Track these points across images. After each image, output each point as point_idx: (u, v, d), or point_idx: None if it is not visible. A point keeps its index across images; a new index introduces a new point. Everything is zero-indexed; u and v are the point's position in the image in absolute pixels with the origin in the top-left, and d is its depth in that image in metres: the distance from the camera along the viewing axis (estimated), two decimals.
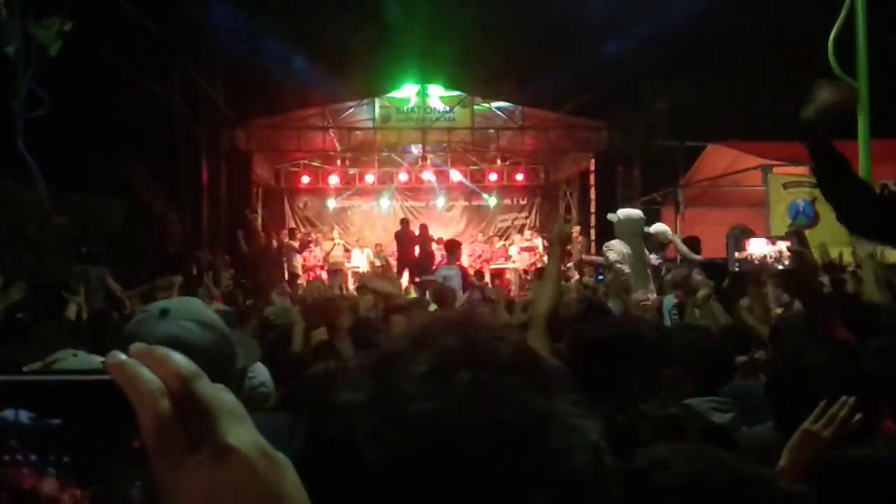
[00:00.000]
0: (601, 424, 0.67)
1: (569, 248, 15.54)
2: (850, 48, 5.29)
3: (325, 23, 13.38)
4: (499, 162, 18.77)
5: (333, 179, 18.19)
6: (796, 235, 2.05)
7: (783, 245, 2.24)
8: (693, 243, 8.52)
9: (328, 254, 16.31)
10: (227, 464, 0.47)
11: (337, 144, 17.05)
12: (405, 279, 13.71)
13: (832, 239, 7.67)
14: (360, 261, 16.49)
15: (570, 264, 13.92)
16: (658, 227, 7.97)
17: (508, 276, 16.45)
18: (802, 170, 9.62)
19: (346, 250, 16.82)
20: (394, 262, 15.12)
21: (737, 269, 2.26)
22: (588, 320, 3.13)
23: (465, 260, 15.26)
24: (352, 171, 18.48)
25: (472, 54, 13.92)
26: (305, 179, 18.42)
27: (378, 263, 15.39)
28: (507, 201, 19.36)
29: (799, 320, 3.06)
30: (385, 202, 18.69)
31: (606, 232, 7.20)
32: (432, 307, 5.38)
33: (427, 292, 7.24)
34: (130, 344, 0.49)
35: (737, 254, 2.26)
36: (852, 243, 4.30)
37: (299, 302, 4.05)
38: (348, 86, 14.92)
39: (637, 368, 2.09)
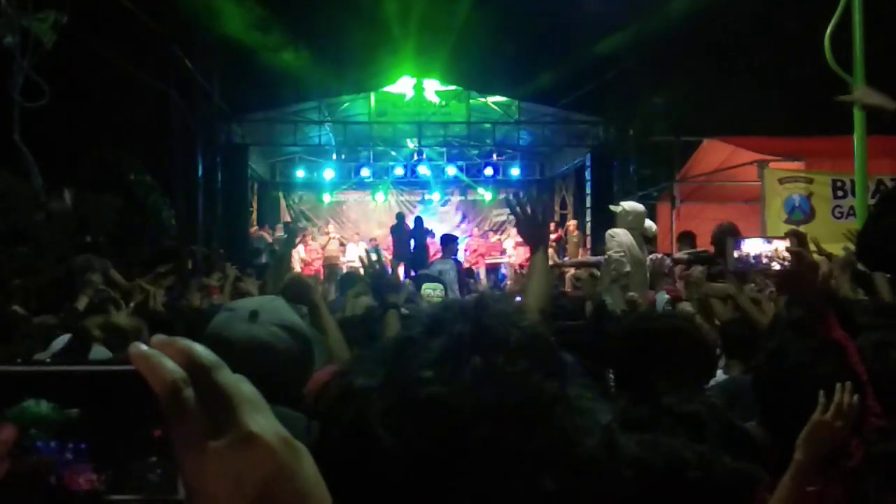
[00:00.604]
0: (613, 408, 0.68)
1: (566, 242, 15.58)
2: (846, 43, 5.31)
3: (321, 17, 13.35)
4: (494, 156, 18.76)
5: (329, 173, 18.17)
6: (795, 235, 2.04)
7: (779, 244, 2.24)
8: (688, 238, 8.53)
9: (324, 248, 16.30)
10: (249, 450, 0.48)
11: (332, 138, 17.03)
12: (401, 273, 13.72)
13: (827, 235, 7.69)
14: (356, 255, 16.49)
15: (565, 258, 13.94)
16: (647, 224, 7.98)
17: (504, 270, 16.46)
18: (798, 165, 9.64)
19: (342, 244, 16.82)
20: (389, 256, 15.14)
21: (736, 268, 2.26)
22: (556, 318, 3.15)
23: (460, 255, 15.28)
24: (347, 164, 18.47)
25: (468, 48, 13.89)
26: (301, 173, 18.39)
27: (373, 258, 15.37)
28: (503, 195, 19.36)
29: (786, 317, 3.09)
30: (380, 196, 18.68)
31: (602, 226, 7.19)
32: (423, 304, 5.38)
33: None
34: (215, 342, 0.50)
35: (736, 253, 2.26)
36: (848, 238, 4.31)
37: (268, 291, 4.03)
38: (344, 80, 14.88)
39: (664, 363, 2.10)
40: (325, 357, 2.08)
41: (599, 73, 13.75)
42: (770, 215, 9.04)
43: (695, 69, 12.49)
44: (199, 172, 12.88)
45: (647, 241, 7.49)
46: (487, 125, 17.03)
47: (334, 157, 18.20)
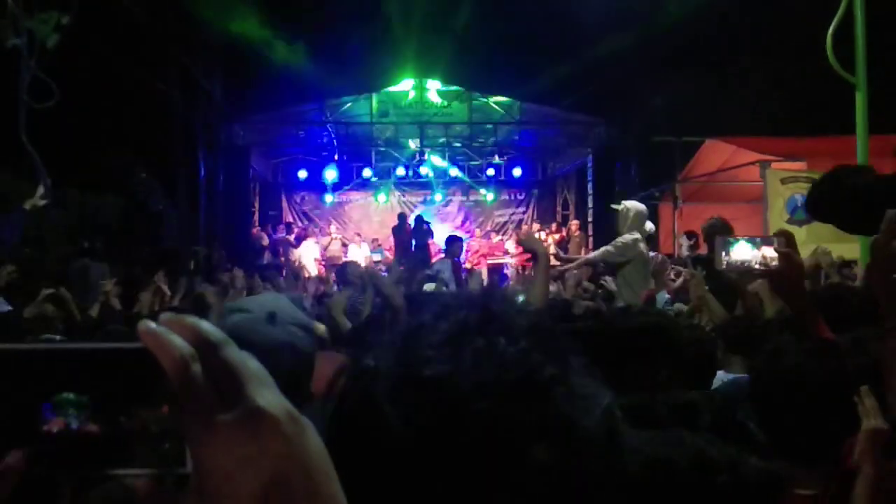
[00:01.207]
0: (613, 394, 0.70)
1: (568, 242, 15.57)
2: (848, 43, 5.31)
3: (322, 17, 13.35)
4: (496, 157, 18.76)
5: (331, 174, 18.17)
6: (783, 236, 2.05)
7: (766, 250, 2.23)
8: (691, 238, 8.52)
9: (326, 248, 16.32)
10: (256, 424, 0.49)
11: (334, 139, 17.04)
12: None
13: (829, 235, 7.68)
14: (358, 255, 16.50)
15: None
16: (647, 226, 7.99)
17: (507, 270, 16.46)
18: (800, 165, 9.64)
19: (344, 245, 16.83)
20: (391, 257, 15.15)
21: (723, 269, 2.26)
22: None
23: (462, 255, 15.28)
24: (349, 165, 18.47)
25: (470, 49, 13.90)
26: (303, 174, 18.40)
27: (376, 258, 15.40)
28: (505, 196, 19.38)
29: (783, 318, 3.08)
30: (382, 197, 18.69)
31: (604, 226, 7.19)
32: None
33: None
34: (240, 344, 0.52)
35: (724, 255, 2.26)
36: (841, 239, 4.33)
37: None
38: (346, 80, 14.89)
39: (664, 361, 2.10)
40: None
41: (601, 74, 13.75)
42: (772, 215, 9.04)
43: (696, 69, 12.48)
44: (201, 173, 12.91)
45: (646, 240, 7.50)
46: (489, 126, 17.04)
47: (336, 157, 18.21)
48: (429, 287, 7.43)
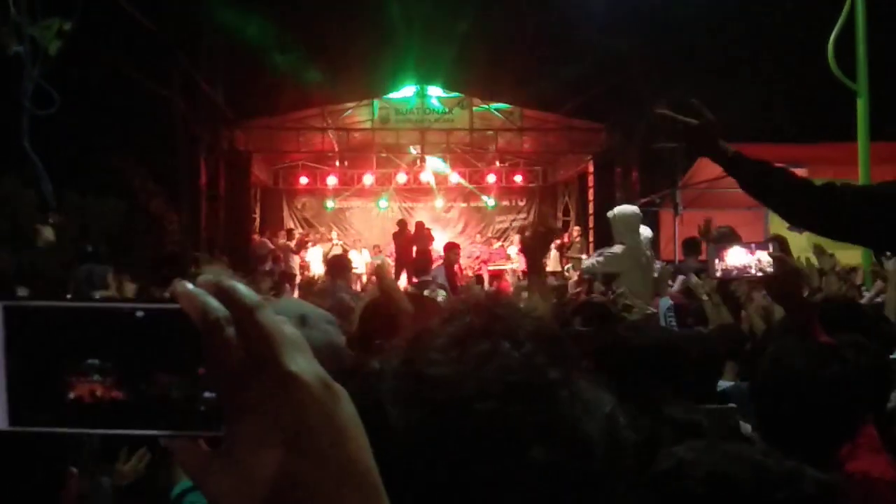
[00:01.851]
0: (616, 402, 0.71)
1: (569, 248, 15.57)
2: (849, 51, 5.32)
3: (324, 24, 13.39)
4: (497, 163, 18.77)
5: (332, 180, 18.17)
6: (776, 241, 2.05)
7: (761, 255, 2.24)
8: (692, 245, 8.51)
9: (327, 255, 16.32)
10: (289, 389, 0.49)
11: (335, 145, 17.06)
12: (403, 280, 13.73)
13: (830, 241, 7.68)
14: (359, 262, 16.50)
15: (568, 265, 13.94)
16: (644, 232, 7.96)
17: (508, 277, 16.45)
18: (801, 172, 9.63)
19: (345, 251, 16.82)
20: (392, 263, 15.15)
21: (718, 276, 2.26)
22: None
23: (463, 261, 15.27)
24: (350, 172, 18.48)
25: (471, 56, 13.93)
26: (304, 180, 18.41)
27: (376, 264, 15.40)
28: (506, 202, 19.37)
29: (784, 323, 3.08)
30: (383, 203, 18.70)
31: (605, 233, 7.18)
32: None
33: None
34: None
35: (717, 262, 2.26)
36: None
37: None
38: (347, 87, 14.92)
39: (670, 376, 2.10)
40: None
41: (602, 80, 13.77)
42: (773, 221, 9.02)
43: (697, 76, 12.50)
44: (203, 179, 12.92)
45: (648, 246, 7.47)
46: (490, 132, 17.05)
47: (337, 163, 18.22)
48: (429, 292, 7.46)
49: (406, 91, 16.17)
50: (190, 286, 0.50)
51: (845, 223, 2.12)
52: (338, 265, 7.89)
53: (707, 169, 12.38)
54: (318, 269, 15.19)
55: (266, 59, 13.20)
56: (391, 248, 15.71)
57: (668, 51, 12.62)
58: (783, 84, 12.66)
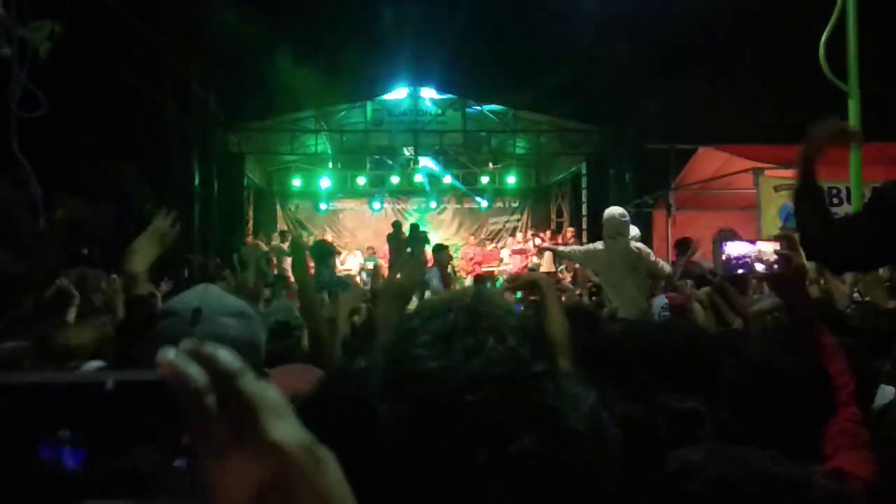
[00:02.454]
0: (600, 396, 0.72)
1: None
2: (841, 51, 5.33)
3: (317, 26, 13.37)
4: (490, 165, 18.79)
5: (325, 182, 18.17)
6: (785, 239, 2.03)
7: (763, 245, 2.24)
8: (684, 245, 8.53)
9: None
10: (271, 458, 0.48)
11: (329, 147, 17.05)
12: None
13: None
14: (353, 263, 16.48)
15: (562, 266, 13.95)
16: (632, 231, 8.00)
17: (501, 279, 16.45)
18: (793, 172, 9.67)
19: (338, 253, 16.81)
20: (385, 265, 15.13)
21: (720, 271, 2.26)
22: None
23: (457, 263, 15.27)
24: (344, 173, 18.47)
25: (464, 58, 13.94)
26: (297, 182, 18.39)
27: (370, 266, 15.38)
28: (499, 204, 19.39)
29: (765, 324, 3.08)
30: (377, 205, 18.69)
31: (599, 235, 7.20)
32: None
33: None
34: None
35: (721, 256, 2.26)
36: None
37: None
38: (341, 89, 14.90)
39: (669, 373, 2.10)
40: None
41: (595, 82, 13.79)
42: (766, 222, 9.07)
43: (689, 77, 12.53)
44: (196, 181, 12.88)
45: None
46: (483, 133, 17.06)
47: (331, 165, 18.21)
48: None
49: (399, 93, 16.17)
50: (171, 355, 0.49)
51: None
52: (321, 251, 7.69)
53: (699, 170, 12.42)
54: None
55: (259, 62, 13.17)
56: (385, 249, 15.70)
57: (660, 51, 12.64)
58: (774, 85, 12.68)
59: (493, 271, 16.69)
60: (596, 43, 12.91)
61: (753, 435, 1.88)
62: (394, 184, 18.40)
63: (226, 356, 0.50)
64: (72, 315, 4.63)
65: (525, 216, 19.36)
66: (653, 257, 6.89)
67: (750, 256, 2.23)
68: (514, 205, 19.50)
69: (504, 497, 0.63)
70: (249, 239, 15.92)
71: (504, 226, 19.17)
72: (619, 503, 0.71)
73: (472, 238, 18.66)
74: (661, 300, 5.69)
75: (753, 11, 12.43)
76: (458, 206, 19.26)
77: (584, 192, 16.58)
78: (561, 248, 7.90)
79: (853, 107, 5.34)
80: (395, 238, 15.15)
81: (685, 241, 8.65)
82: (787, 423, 1.88)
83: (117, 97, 10.92)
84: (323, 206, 18.67)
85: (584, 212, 16.34)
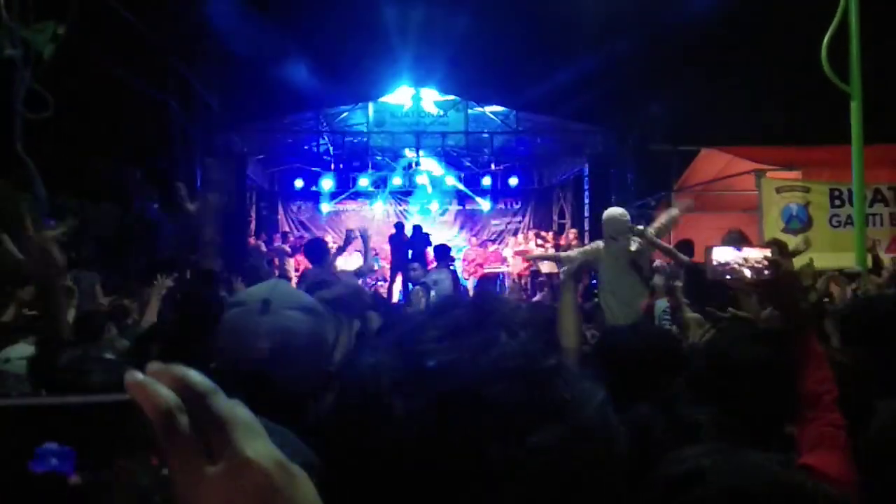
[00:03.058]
0: (605, 390, 0.72)
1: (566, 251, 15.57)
2: (843, 53, 5.33)
3: (320, 27, 13.39)
4: (493, 166, 18.78)
5: (327, 183, 18.18)
6: (775, 244, 2.01)
7: (749, 252, 2.22)
8: (686, 247, 8.53)
9: None
10: (245, 476, 0.48)
11: (331, 148, 17.05)
12: (398, 283, 13.74)
13: (824, 244, 7.70)
14: (354, 265, 16.46)
15: (564, 268, 13.93)
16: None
17: (505, 280, 16.48)
18: (795, 174, 9.66)
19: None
20: (387, 266, 15.15)
21: (709, 276, 2.25)
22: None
23: (458, 264, 15.27)
24: (346, 174, 18.47)
25: (467, 58, 13.94)
26: (299, 183, 18.40)
27: (374, 267, 15.39)
28: (501, 205, 19.38)
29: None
30: (379, 206, 18.69)
31: (601, 236, 7.20)
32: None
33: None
34: (235, 337, 0.50)
35: (709, 262, 2.25)
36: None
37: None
38: (343, 90, 14.91)
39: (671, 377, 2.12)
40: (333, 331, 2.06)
41: (597, 83, 13.79)
42: (768, 224, 9.05)
43: (692, 79, 12.53)
44: (198, 182, 12.88)
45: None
46: (486, 135, 17.05)
47: (332, 166, 18.21)
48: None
49: (401, 94, 16.17)
50: (140, 376, 0.49)
51: None
52: (316, 249, 7.63)
53: (702, 171, 12.42)
54: None
55: (262, 63, 13.18)
56: (387, 250, 15.71)
57: (663, 53, 12.64)
58: (777, 86, 12.68)
59: (497, 272, 16.70)
60: (599, 44, 12.91)
61: (718, 426, 1.91)
62: (396, 185, 18.40)
63: (196, 376, 0.50)
64: (71, 315, 4.64)
65: (527, 217, 19.35)
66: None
67: (734, 263, 2.21)
68: (517, 206, 19.49)
69: (520, 491, 0.63)
70: (252, 240, 15.94)
71: (506, 227, 19.16)
72: (627, 500, 0.71)
73: (473, 239, 18.65)
74: (662, 303, 5.67)
75: (756, 13, 12.43)
76: (461, 207, 19.25)
77: (586, 194, 16.55)
78: (563, 254, 7.87)
79: (855, 108, 5.35)
80: (397, 239, 15.16)
81: (687, 242, 8.64)
82: (745, 411, 1.91)
83: (121, 98, 10.95)
84: (325, 208, 18.68)
85: (587, 213, 16.32)
